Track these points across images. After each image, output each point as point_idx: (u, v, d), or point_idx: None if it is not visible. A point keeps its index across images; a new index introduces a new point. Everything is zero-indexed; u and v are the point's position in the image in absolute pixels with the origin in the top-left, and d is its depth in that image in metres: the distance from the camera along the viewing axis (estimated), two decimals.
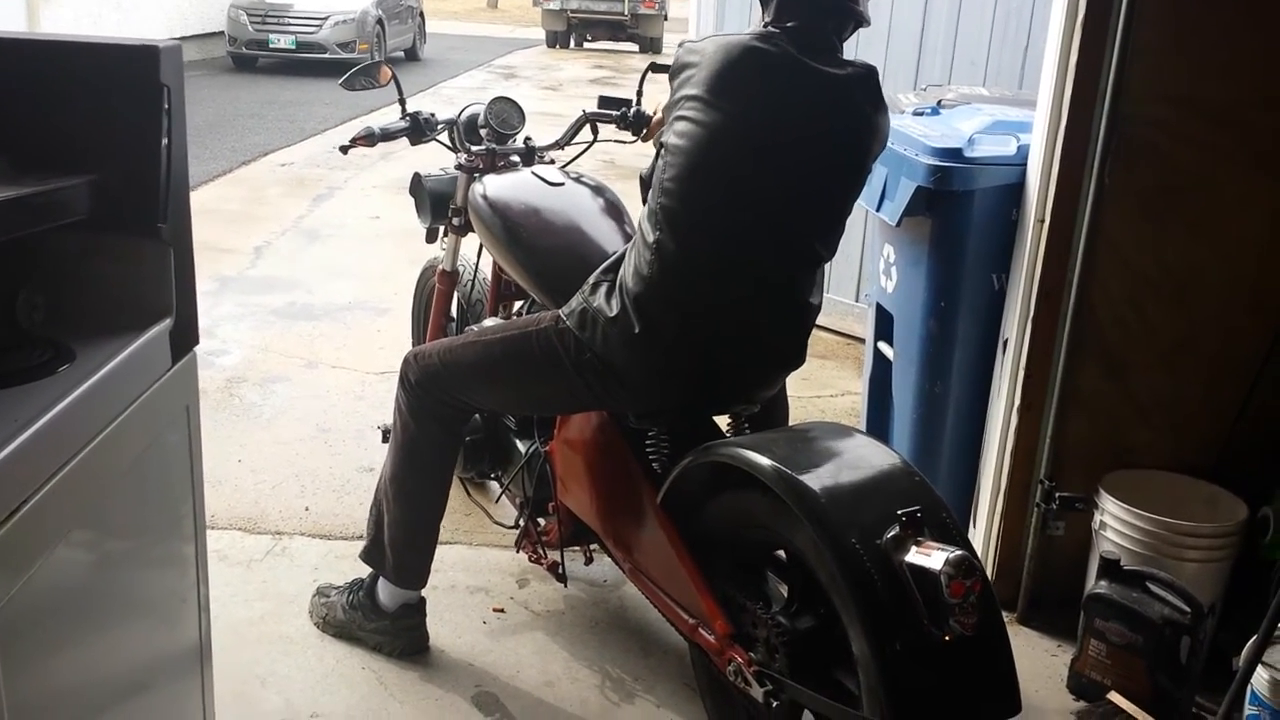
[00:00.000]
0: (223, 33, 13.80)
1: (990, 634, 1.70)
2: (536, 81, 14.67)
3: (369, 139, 2.68)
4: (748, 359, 2.12)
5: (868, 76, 2.08)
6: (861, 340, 4.15)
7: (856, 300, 4.63)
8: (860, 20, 2.10)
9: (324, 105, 10.84)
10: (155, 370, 1.43)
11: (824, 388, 4.18)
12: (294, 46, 13.40)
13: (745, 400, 2.22)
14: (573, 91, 13.71)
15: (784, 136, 2.02)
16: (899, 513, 1.70)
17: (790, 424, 2.48)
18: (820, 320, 4.30)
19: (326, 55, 13.40)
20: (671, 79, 2.09)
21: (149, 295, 1.44)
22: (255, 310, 4.78)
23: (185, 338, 1.50)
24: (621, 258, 2.13)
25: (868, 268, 4.41)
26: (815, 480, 1.81)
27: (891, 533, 1.69)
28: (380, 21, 14.17)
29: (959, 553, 1.62)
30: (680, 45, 2.11)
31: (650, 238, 2.02)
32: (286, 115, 10.12)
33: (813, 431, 2.10)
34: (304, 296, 5.01)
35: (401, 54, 15.78)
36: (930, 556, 1.64)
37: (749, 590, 2.06)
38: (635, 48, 20.17)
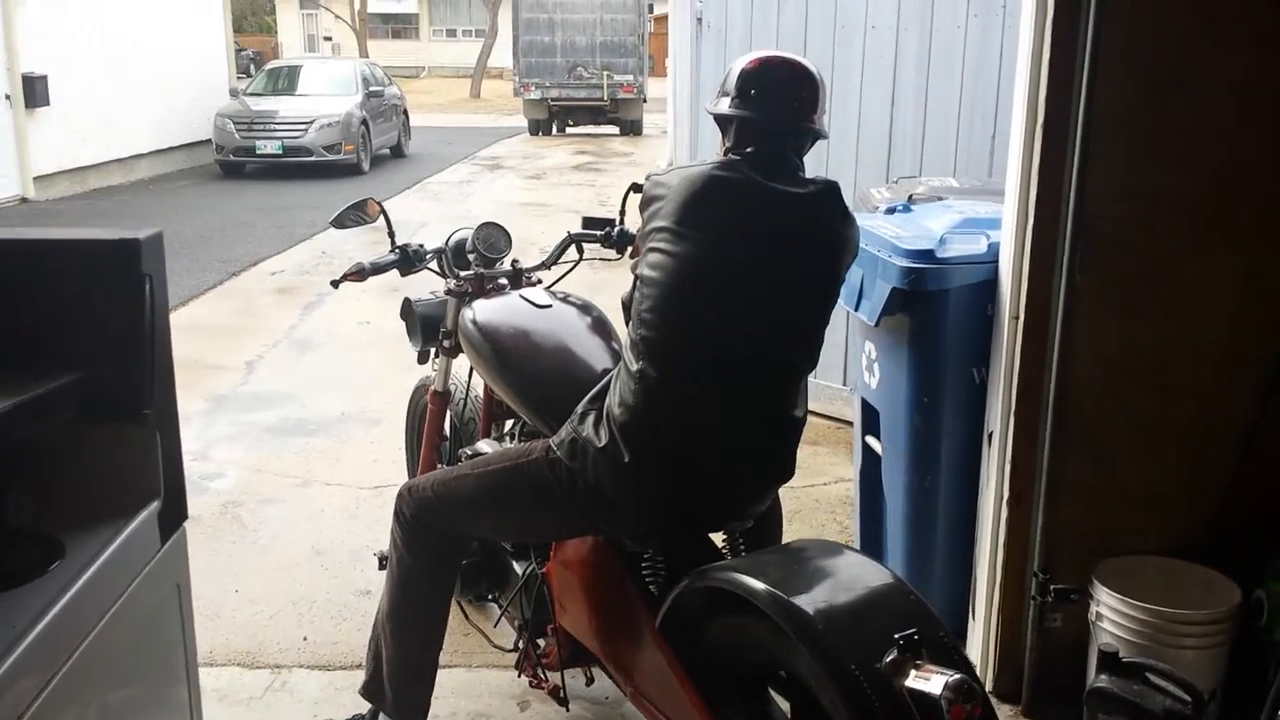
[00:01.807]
0: (210, 140, 14.02)
1: None
2: (520, 171, 14.87)
3: (359, 274, 2.72)
4: (737, 479, 2.15)
5: (831, 192, 2.13)
6: (851, 424, 4.17)
7: (844, 384, 4.66)
8: (818, 135, 2.16)
9: (311, 209, 10.96)
10: (146, 554, 1.45)
11: (817, 475, 4.20)
12: (280, 151, 13.60)
13: (738, 518, 2.24)
14: (556, 179, 13.90)
15: (753, 259, 2.06)
16: (896, 636, 1.70)
17: (784, 541, 2.49)
18: (810, 406, 4.31)
19: (313, 158, 13.61)
20: (641, 210, 2.15)
21: (136, 479, 1.46)
22: (249, 429, 4.80)
23: (174, 515, 1.52)
24: (608, 385, 2.16)
25: (853, 350, 4.45)
26: (811, 605, 1.81)
27: (890, 657, 1.70)
28: (365, 122, 14.40)
29: (957, 676, 1.63)
30: (648, 178, 2.17)
31: (633, 368, 2.05)
32: (275, 222, 10.25)
33: (806, 551, 2.12)
34: (297, 411, 5.04)
35: (387, 151, 16.01)
36: (930, 681, 1.64)
37: (751, 712, 2.06)
38: (616, 130, 20.48)
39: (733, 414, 2.09)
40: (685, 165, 2.15)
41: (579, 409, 2.17)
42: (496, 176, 14.37)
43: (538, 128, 20.53)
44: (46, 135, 11.58)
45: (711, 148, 4.67)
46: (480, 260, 2.89)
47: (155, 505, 1.47)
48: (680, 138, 4.96)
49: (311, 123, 13.62)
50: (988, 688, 2.80)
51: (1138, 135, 2.48)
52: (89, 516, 1.40)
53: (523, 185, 13.43)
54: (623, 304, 2.24)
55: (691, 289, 2.04)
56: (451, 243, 2.97)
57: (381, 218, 2.84)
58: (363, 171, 14.16)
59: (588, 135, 20.29)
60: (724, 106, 2.16)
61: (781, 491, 2.32)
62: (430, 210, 11.30)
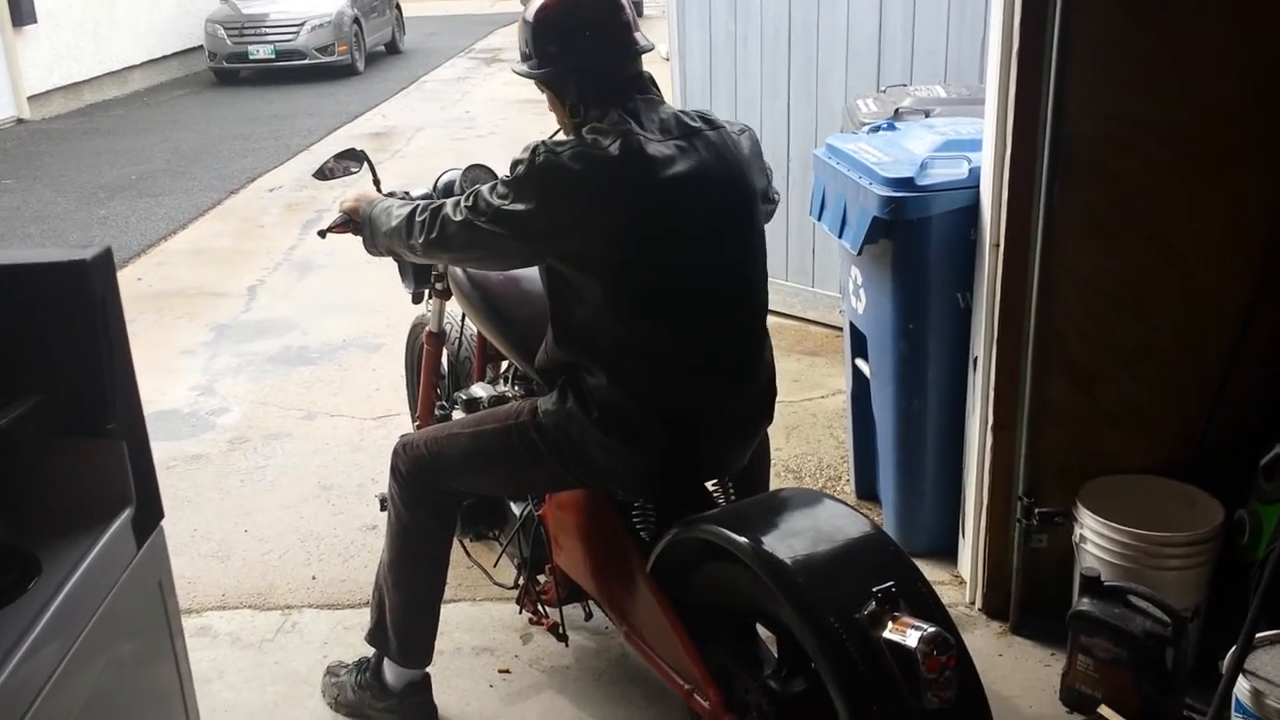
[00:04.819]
0: (202, 46, 13.80)
1: (969, 704, 1.76)
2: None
3: (345, 226, 2.70)
4: (723, 443, 2.21)
5: (712, 126, 2.15)
6: None
7: (841, 293, 4.64)
8: (642, 50, 2.17)
9: (307, 116, 10.86)
10: (123, 560, 1.49)
11: (815, 388, 4.20)
12: (273, 56, 13.38)
13: (725, 472, 2.32)
14: None
15: (659, 232, 2.06)
16: (874, 590, 1.75)
17: (770, 489, 2.53)
18: (808, 314, 4.28)
19: (306, 61, 13.39)
20: (538, 185, 2.06)
21: (107, 489, 1.49)
22: (252, 360, 4.85)
23: (148, 518, 1.55)
24: (589, 347, 2.15)
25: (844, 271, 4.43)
26: (793, 558, 1.86)
27: (868, 609, 1.75)
28: (357, 20, 14.11)
29: (932, 630, 1.68)
30: (540, 153, 2.07)
31: (607, 354, 2.08)
32: (271, 132, 10.14)
33: (789, 502, 2.16)
34: (299, 339, 5.08)
35: (382, 48, 15.71)
36: (905, 634, 1.70)
37: (740, 654, 2.13)
38: None
39: (711, 382, 2.14)
40: (577, 153, 2.05)
41: (562, 380, 2.18)
42: (494, 71, 14.11)
43: None
44: (36, 53, 11.41)
45: (717, 29, 4.54)
46: None
47: (128, 512, 1.50)
48: (681, 18, 4.84)
49: (303, 24, 13.35)
50: (976, 605, 2.87)
51: (1114, 58, 2.41)
52: (63, 531, 1.44)
53: (520, 79, 13.16)
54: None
55: (625, 280, 2.05)
56: (440, 185, 2.95)
57: (366, 166, 2.82)
58: (358, 72, 13.94)
59: None
60: (550, 62, 2.16)
61: (778, 406, 2.34)
62: (427, 112, 11.15)
